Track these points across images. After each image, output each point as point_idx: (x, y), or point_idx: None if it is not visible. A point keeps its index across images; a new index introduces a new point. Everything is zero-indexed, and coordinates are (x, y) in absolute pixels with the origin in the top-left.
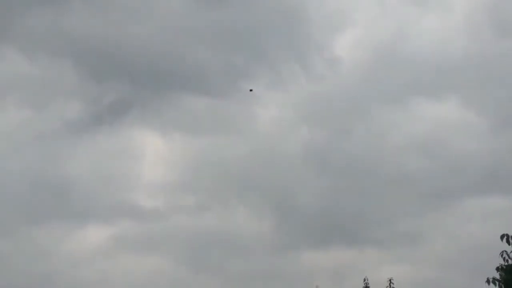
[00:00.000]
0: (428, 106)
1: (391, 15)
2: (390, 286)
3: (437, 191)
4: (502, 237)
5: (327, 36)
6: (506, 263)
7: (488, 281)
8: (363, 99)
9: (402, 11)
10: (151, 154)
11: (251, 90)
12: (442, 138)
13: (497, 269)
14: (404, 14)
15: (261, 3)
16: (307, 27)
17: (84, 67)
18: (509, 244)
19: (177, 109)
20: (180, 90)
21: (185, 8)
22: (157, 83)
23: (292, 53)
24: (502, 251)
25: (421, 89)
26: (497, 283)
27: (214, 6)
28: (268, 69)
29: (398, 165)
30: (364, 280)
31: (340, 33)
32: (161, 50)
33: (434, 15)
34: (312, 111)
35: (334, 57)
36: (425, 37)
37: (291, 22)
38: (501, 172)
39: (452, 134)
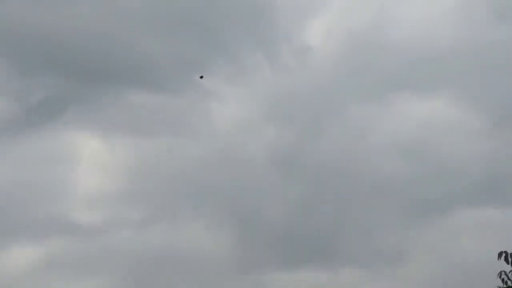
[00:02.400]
0: (412, 103)
1: None
2: None
3: (424, 201)
4: (500, 255)
5: (296, 22)
6: (505, 286)
7: None
8: (337, 94)
9: None
10: (88, 160)
11: (201, 77)
12: (429, 139)
13: None
14: None
15: None
16: (273, 12)
17: (7, 58)
18: (508, 263)
19: (119, 106)
20: (122, 85)
21: None
22: (95, 77)
23: (255, 41)
24: (501, 272)
25: (405, 82)
26: None
27: None
28: (227, 60)
29: (378, 171)
30: None
31: (310, 19)
32: (101, 37)
33: None
34: (278, 107)
35: (304, 46)
36: (409, 22)
37: (254, 6)
38: (498, 179)
39: (440, 135)
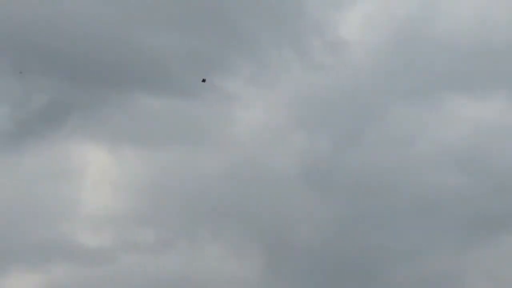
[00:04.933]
0: (465, 105)
1: None
2: None
3: (481, 219)
4: None
5: (329, 13)
6: None
7: None
8: (377, 95)
9: None
10: (94, 175)
11: (203, 81)
12: (485, 146)
13: None
14: None
15: None
16: (301, 1)
17: (5, 59)
18: None
19: (128, 114)
20: (132, 89)
21: None
22: (102, 80)
23: (281, 35)
24: None
25: (456, 81)
26: None
27: None
28: (249, 57)
29: (425, 185)
30: None
31: (346, 10)
32: (107, 36)
33: None
34: (310, 112)
35: (339, 41)
36: (460, 13)
37: None
38: None
39: (498, 142)
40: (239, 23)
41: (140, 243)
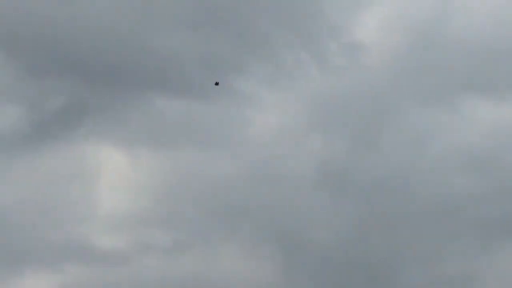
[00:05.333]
0: (482, 107)
1: None
2: None
3: (498, 221)
4: None
5: (346, 16)
6: None
7: None
8: (394, 97)
9: None
10: (110, 176)
11: (217, 84)
12: (503, 149)
13: None
14: None
15: None
16: (318, 3)
17: (21, 60)
18: None
19: (144, 115)
20: (147, 90)
21: None
22: (119, 82)
23: (297, 37)
24: None
25: (473, 84)
26: None
27: None
28: (265, 59)
29: (442, 187)
30: None
31: (362, 12)
32: (123, 36)
33: None
34: (326, 114)
35: (355, 43)
36: (478, 14)
37: None
38: None
39: None
40: (255, 25)
41: (155, 245)
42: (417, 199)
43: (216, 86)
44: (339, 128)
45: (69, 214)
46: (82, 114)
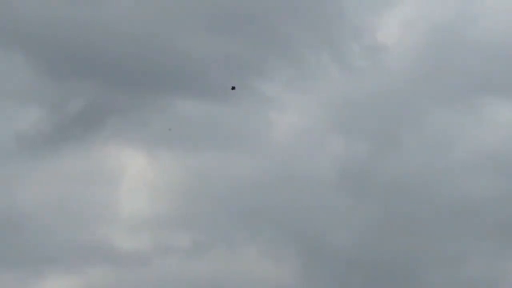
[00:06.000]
0: (505, 109)
1: None
2: None
3: None
4: None
5: (367, 18)
6: None
7: None
8: (416, 99)
9: None
10: (132, 178)
11: (233, 88)
12: None
13: None
14: None
15: None
16: (339, 4)
17: (42, 62)
18: None
19: (165, 118)
20: (170, 93)
21: None
22: (140, 84)
23: (319, 39)
24: None
25: (496, 85)
26: None
27: None
28: (287, 61)
29: (465, 189)
30: None
31: (384, 14)
32: (144, 39)
33: None
34: (347, 116)
35: (377, 44)
36: (501, 16)
37: None
38: None
39: None
40: (277, 27)
41: (176, 246)
42: (438, 201)
43: (233, 90)
44: (361, 129)
45: (90, 216)
46: (103, 116)
